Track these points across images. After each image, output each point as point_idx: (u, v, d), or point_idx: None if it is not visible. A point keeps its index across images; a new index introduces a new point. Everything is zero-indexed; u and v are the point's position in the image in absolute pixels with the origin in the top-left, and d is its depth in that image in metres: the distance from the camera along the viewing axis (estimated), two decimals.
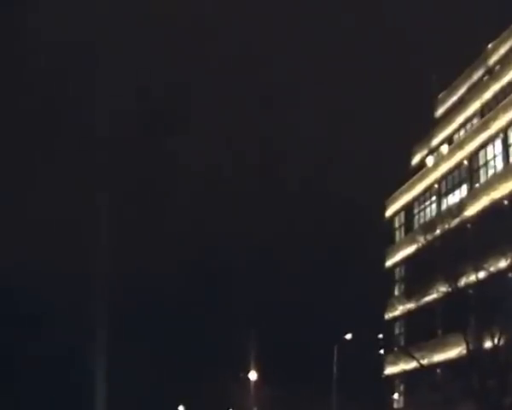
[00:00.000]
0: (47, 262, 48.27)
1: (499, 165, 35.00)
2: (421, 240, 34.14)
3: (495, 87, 36.80)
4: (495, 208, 32.80)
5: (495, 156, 35.47)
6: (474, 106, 39.40)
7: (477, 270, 29.64)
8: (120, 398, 43.60)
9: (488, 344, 29.17)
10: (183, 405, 63.57)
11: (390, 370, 44.32)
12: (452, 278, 30.47)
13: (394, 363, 42.34)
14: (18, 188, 52.00)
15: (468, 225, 32.94)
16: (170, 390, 54.73)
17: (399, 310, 41.63)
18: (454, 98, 44.22)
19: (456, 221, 32.07)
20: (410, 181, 46.08)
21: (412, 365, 36.33)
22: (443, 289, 31.88)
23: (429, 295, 33.60)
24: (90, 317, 43.06)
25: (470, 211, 33.89)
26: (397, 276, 45.89)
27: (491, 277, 29.45)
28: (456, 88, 43.89)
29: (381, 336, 47.48)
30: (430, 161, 43.87)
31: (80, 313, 45.89)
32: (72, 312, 46.92)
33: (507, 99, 34.24)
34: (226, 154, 66.11)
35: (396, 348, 43.29)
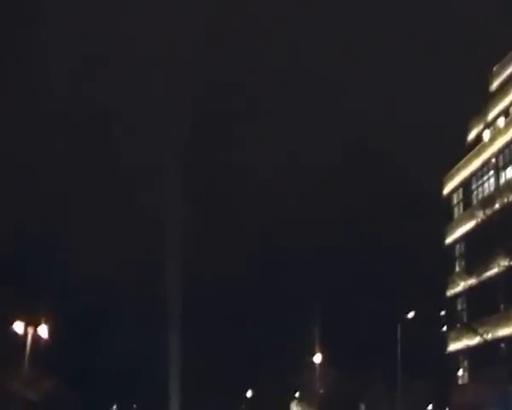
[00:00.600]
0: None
1: None
2: (481, 215, 34.12)
3: None
4: None
5: None
6: None
7: None
8: (192, 384, 45.05)
9: None
10: (252, 389, 64.78)
11: (453, 346, 44.26)
12: None
13: (457, 339, 42.34)
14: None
15: None
16: (238, 376, 55.95)
17: (461, 286, 41.60)
18: (509, 70, 43.52)
19: None
20: (467, 157, 45.69)
21: (476, 340, 36.33)
22: (504, 263, 31.84)
23: (490, 269, 33.56)
24: (164, 305, 44.37)
25: None
26: (457, 252, 45.66)
27: None
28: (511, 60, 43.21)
29: (443, 313, 47.43)
30: (486, 135, 43.38)
31: (155, 301, 47.45)
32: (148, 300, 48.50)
33: None
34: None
35: (459, 325, 43.22)
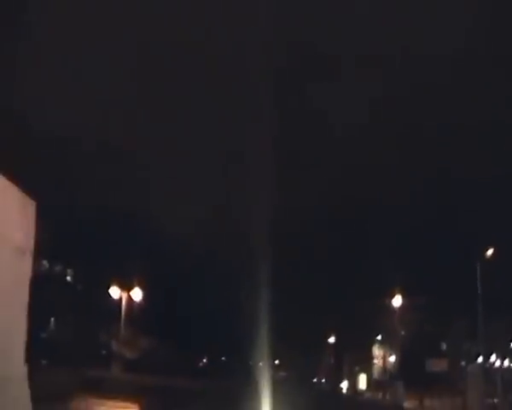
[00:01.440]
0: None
1: None
2: None
3: None
4: None
5: None
6: None
7: None
8: (277, 334, 46.69)
9: None
10: (334, 335, 66.21)
11: None
12: None
13: None
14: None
15: None
16: (321, 323, 57.33)
17: None
18: None
19: None
20: None
21: None
22: None
23: None
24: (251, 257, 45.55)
25: None
26: None
27: None
28: None
29: None
30: None
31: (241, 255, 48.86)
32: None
33: None
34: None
35: None
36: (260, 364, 51.31)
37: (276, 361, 66.75)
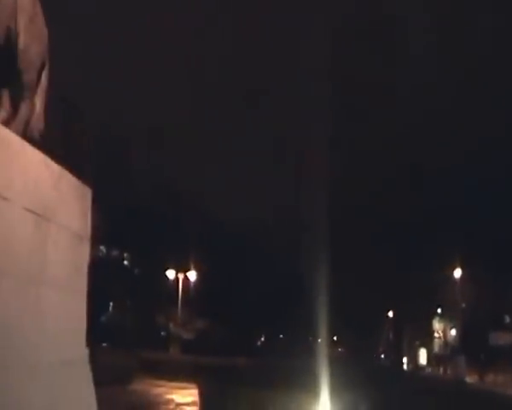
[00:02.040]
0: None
1: None
2: None
3: None
4: None
5: None
6: None
7: None
8: (335, 309, 46.49)
9: None
10: (393, 309, 65.65)
11: None
12: None
13: None
14: None
15: None
16: (378, 296, 56.84)
17: None
18: None
19: None
20: None
21: None
22: None
23: None
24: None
25: None
26: None
27: None
28: None
29: None
30: None
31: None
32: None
33: None
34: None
35: None
36: (319, 340, 51.38)
37: (334, 337, 66.69)
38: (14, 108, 6.90)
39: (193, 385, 22.56)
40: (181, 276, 49.63)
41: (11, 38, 6.46)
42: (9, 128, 6.29)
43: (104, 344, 37.73)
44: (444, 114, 57.13)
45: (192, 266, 49.36)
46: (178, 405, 19.56)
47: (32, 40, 6.74)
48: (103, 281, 36.09)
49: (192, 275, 49.95)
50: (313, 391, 16.15)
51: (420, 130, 56.56)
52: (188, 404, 19.68)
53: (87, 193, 7.73)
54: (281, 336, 72.21)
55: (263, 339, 72.43)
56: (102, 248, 48.16)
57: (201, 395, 18.25)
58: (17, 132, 6.40)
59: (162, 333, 54.38)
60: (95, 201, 7.95)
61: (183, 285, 49.90)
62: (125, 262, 53.67)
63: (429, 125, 57.73)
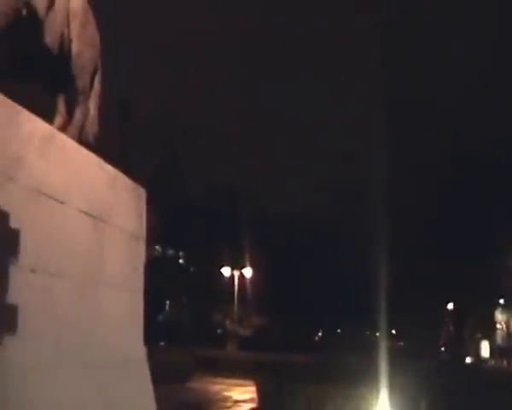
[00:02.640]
0: None
1: None
2: None
3: None
4: None
5: None
6: None
7: None
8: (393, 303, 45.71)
9: None
10: (453, 301, 64.24)
11: None
12: None
13: None
14: None
15: None
16: (438, 288, 55.62)
17: None
18: None
19: None
20: None
21: None
22: None
23: None
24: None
25: None
26: None
27: None
28: None
29: None
30: None
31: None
32: None
33: None
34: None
35: None
36: (377, 334, 50.79)
37: (393, 331, 65.89)
38: (69, 113, 7.04)
39: (250, 382, 22.62)
40: (236, 273, 49.86)
41: (64, 45, 6.58)
42: (65, 133, 6.42)
43: (161, 343, 38.27)
44: None
45: (247, 263, 49.50)
46: (236, 402, 19.66)
47: (84, 46, 6.86)
48: (159, 280, 36.57)
49: (248, 271, 50.11)
50: (373, 387, 15.95)
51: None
52: (245, 401, 19.75)
53: (142, 194, 7.84)
54: (338, 330, 71.81)
55: (320, 334, 72.25)
56: (158, 247, 48.80)
57: (259, 391, 18.27)
58: (72, 137, 6.53)
59: (219, 330, 54.74)
60: (150, 201, 8.05)
61: (238, 282, 50.12)
62: (181, 261, 54.23)
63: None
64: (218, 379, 25.82)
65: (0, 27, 5.49)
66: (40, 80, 6.95)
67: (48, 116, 6.49)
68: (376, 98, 47.12)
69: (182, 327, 47.06)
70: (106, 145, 7.67)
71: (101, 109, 7.59)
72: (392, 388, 15.53)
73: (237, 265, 49.57)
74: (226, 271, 50.26)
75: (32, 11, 5.91)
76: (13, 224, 4.97)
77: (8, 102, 5.15)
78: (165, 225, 41.08)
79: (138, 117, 41.98)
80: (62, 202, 5.70)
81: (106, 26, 7.48)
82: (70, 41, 6.64)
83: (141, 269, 7.66)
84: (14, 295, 4.91)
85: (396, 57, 50.92)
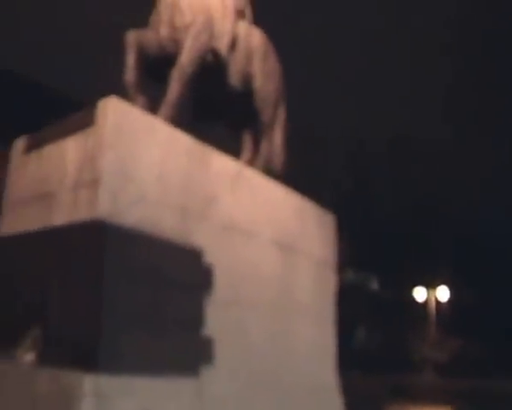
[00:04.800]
0: None
1: None
2: None
3: None
4: None
5: None
6: None
7: None
8: None
9: None
10: None
11: None
12: None
13: None
14: None
15: None
16: None
17: None
18: None
19: None
20: None
21: None
22: None
23: None
24: None
25: None
26: None
27: None
28: None
29: None
30: None
31: None
32: None
33: None
34: None
35: None
36: None
37: None
38: (256, 146, 7.27)
39: None
40: (431, 294, 48.16)
41: (247, 81, 6.85)
42: (252, 166, 6.63)
43: (354, 370, 37.73)
44: None
45: (443, 283, 47.58)
46: None
47: (266, 79, 7.06)
48: (351, 306, 36.27)
49: (443, 292, 48.19)
50: None
51: None
52: None
53: (330, 220, 7.80)
54: None
55: None
56: (349, 272, 48.59)
57: None
58: (260, 169, 6.73)
59: (413, 356, 53.17)
60: (339, 226, 8.00)
61: (433, 304, 48.39)
62: (373, 285, 53.49)
63: None
64: (415, 407, 24.93)
65: (190, 75, 5.89)
66: (226, 118, 7.29)
67: (235, 152, 6.77)
68: None
69: (375, 354, 46.26)
70: (292, 173, 7.79)
71: (286, 138, 7.73)
72: None
73: (432, 285, 47.94)
74: (420, 292, 48.80)
75: (217, 55, 6.26)
76: (207, 260, 5.27)
77: (199, 144, 5.48)
78: (355, 249, 40.86)
79: (322, 141, 42.38)
80: (252, 235, 5.88)
81: (281, 52, 7.62)
82: (252, 77, 6.89)
83: (331, 296, 7.62)
84: (210, 329, 5.16)
85: None
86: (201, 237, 5.25)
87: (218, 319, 5.27)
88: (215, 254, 5.35)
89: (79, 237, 4.57)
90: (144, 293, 4.64)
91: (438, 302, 48.57)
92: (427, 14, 66.93)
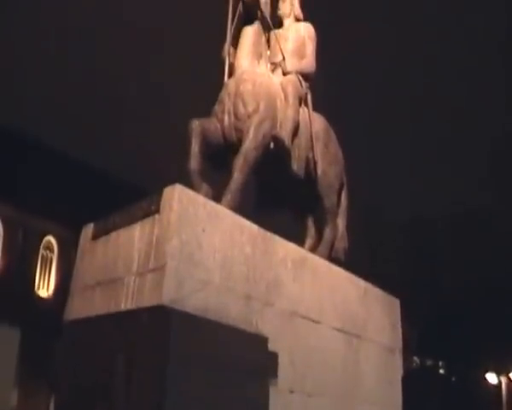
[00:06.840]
0: None
1: None
2: None
3: None
4: None
5: None
6: None
7: None
8: None
9: None
10: None
11: None
12: None
13: None
14: None
15: None
16: None
17: None
18: None
19: None
20: None
21: None
22: None
23: None
24: None
25: None
26: None
27: None
28: None
29: None
30: None
31: None
32: None
33: None
34: None
35: None
36: None
37: None
38: (319, 232, 7.29)
39: None
40: (504, 379, 45.99)
41: (310, 168, 6.94)
42: (316, 253, 6.65)
43: None
44: None
45: None
46: None
47: (328, 165, 7.15)
48: (419, 393, 34.98)
49: None
50: None
51: None
52: None
53: (395, 304, 7.67)
54: None
55: None
56: (416, 358, 47.04)
57: None
58: (323, 256, 6.73)
59: None
60: (404, 310, 7.86)
61: (506, 389, 46.18)
62: (441, 371, 51.56)
63: None
64: None
65: (253, 163, 6.03)
66: (289, 204, 7.37)
67: (299, 239, 6.80)
68: None
69: None
70: (355, 257, 7.73)
71: (349, 223, 7.73)
72: None
73: (504, 369, 45.80)
74: (492, 377, 46.68)
75: (279, 143, 6.38)
76: (271, 347, 5.27)
77: (263, 230, 5.57)
78: (422, 333, 39.71)
79: (386, 222, 41.99)
80: (316, 322, 5.87)
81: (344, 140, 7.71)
82: (315, 163, 6.99)
83: (398, 382, 7.43)
84: None
85: None
86: (265, 324, 5.28)
87: (282, 406, 5.20)
88: (279, 341, 5.35)
89: (145, 322, 4.63)
90: (208, 379, 4.62)
91: (510, 386, 46.38)
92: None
